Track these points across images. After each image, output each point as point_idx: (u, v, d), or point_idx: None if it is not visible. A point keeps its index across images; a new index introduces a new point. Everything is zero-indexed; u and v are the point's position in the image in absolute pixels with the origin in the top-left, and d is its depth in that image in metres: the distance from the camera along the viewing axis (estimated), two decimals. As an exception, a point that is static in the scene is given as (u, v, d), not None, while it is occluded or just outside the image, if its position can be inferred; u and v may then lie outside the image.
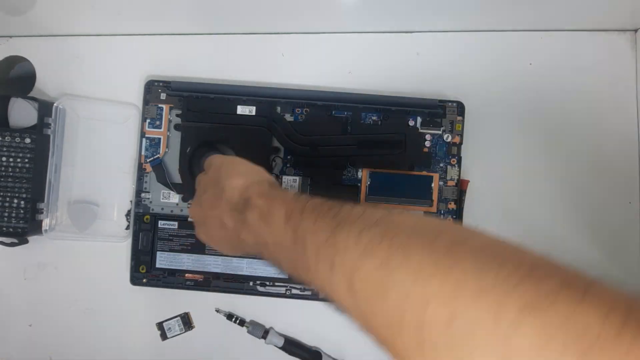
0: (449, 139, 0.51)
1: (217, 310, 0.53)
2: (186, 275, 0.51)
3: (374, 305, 0.23)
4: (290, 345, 0.51)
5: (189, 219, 0.51)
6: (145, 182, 0.52)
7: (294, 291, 0.51)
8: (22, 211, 0.50)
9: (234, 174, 0.37)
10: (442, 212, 0.51)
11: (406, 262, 0.22)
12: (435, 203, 0.51)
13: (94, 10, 0.51)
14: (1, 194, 0.50)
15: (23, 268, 0.54)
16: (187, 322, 0.53)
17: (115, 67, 0.55)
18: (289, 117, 0.51)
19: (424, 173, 0.51)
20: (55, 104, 0.52)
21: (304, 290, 0.51)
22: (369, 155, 0.51)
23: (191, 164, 0.51)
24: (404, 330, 0.21)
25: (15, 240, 0.52)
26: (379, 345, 0.24)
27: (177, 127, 0.52)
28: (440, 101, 0.51)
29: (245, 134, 0.51)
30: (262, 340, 0.51)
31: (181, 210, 0.52)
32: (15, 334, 0.54)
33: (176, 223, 0.51)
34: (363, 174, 0.51)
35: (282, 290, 0.51)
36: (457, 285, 0.20)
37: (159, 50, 0.55)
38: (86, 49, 0.55)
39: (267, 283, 0.51)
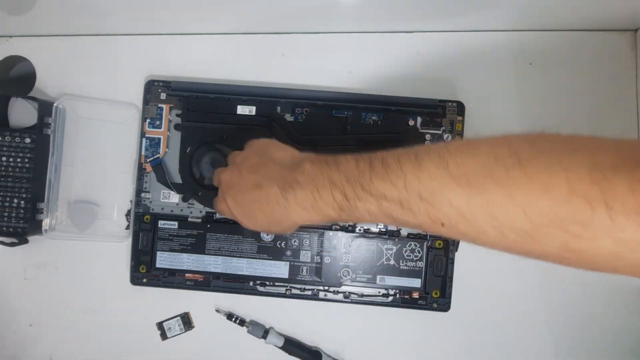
0: (449, 139, 0.51)
1: (217, 310, 0.53)
2: (186, 275, 0.51)
3: (466, 153, 0.29)
4: (290, 345, 0.51)
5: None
6: (145, 182, 0.52)
7: (294, 291, 0.51)
8: (22, 211, 0.50)
9: (283, 148, 0.40)
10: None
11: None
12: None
13: (94, 10, 0.51)
14: (1, 194, 0.50)
15: (23, 268, 0.54)
16: (187, 322, 0.53)
17: (115, 67, 0.55)
18: (289, 117, 0.51)
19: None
20: (55, 104, 0.52)
21: (304, 290, 0.51)
22: (369, 155, 0.51)
23: (191, 164, 0.51)
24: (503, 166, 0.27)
25: (15, 240, 0.52)
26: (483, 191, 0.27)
27: (177, 127, 0.52)
28: (440, 101, 0.51)
29: (245, 133, 0.51)
30: (262, 340, 0.51)
31: (181, 210, 0.52)
32: (15, 334, 0.54)
33: (176, 223, 0.51)
34: (363, 174, 0.51)
35: (282, 290, 0.51)
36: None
37: (159, 50, 0.55)
38: (86, 49, 0.55)
39: (267, 283, 0.51)
